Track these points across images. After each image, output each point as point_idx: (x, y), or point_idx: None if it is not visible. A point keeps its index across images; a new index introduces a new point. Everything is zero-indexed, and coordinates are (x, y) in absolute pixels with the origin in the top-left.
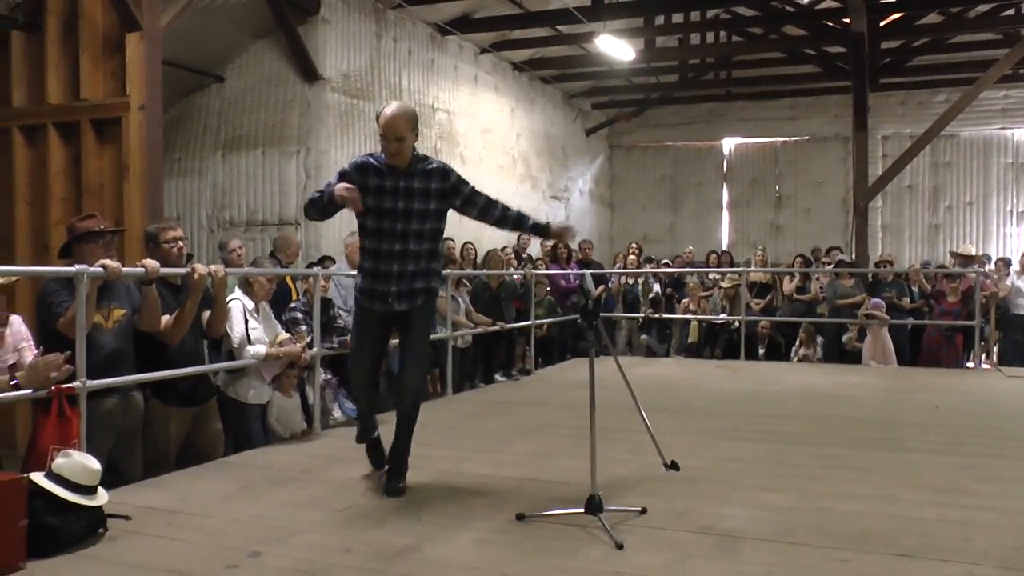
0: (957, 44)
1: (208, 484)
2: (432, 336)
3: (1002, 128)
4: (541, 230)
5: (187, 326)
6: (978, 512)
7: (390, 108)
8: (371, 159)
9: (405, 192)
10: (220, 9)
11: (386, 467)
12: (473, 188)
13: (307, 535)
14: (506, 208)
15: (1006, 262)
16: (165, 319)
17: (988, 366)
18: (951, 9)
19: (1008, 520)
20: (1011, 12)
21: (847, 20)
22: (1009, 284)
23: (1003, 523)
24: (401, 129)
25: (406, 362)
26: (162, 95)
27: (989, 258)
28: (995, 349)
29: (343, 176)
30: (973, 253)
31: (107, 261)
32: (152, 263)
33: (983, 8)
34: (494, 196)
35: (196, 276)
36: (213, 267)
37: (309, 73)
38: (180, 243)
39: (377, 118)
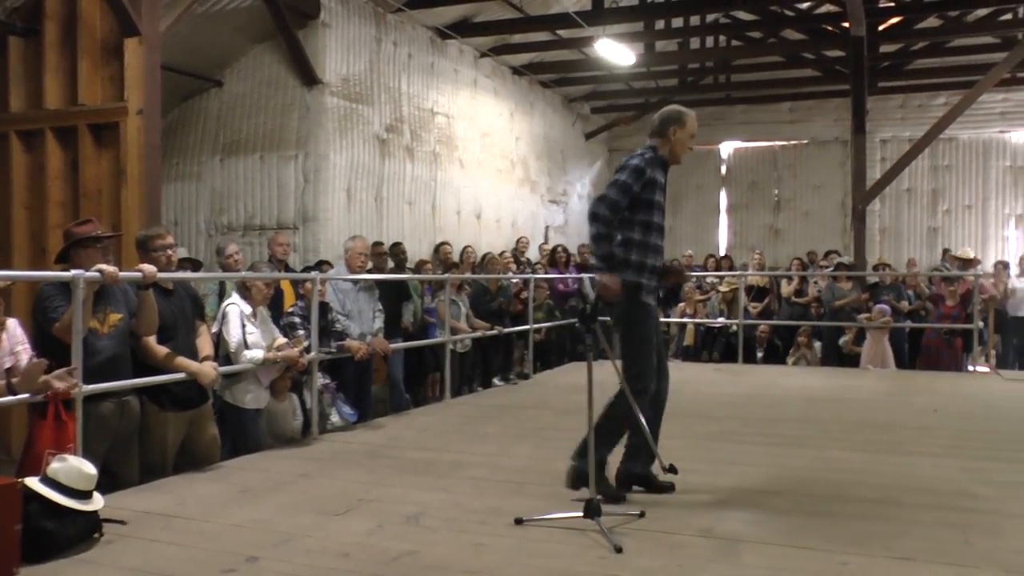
0: (956, 48)
1: (205, 488)
2: (431, 341)
3: (1001, 131)
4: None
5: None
6: (978, 515)
7: (691, 111)
8: (656, 155)
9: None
10: (219, 14)
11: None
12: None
13: (305, 539)
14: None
15: (1005, 265)
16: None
17: (986, 369)
18: (950, 13)
19: (1008, 523)
20: (1009, 16)
21: (846, 24)
22: (1012, 288)
23: (1003, 526)
24: None
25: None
26: (160, 100)
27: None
28: (993, 352)
29: (642, 173)
30: (972, 256)
31: (104, 266)
32: (150, 268)
33: (982, 12)
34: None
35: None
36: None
37: (308, 77)
38: (170, 251)
39: (682, 118)
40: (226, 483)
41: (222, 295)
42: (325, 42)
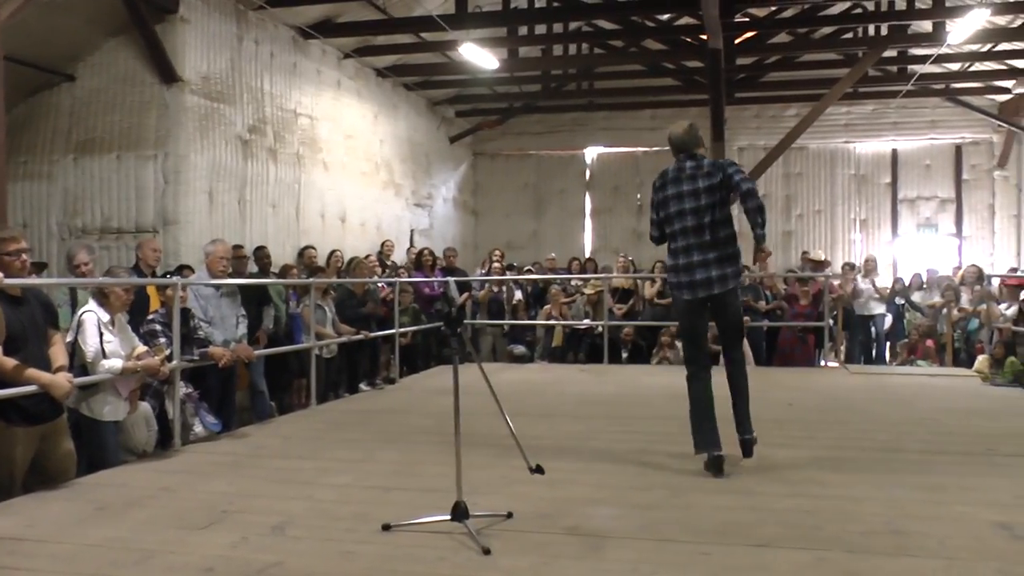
0: (806, 63)
1: (59, 507)
2: (296, 346)
3: (845, 142)
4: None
5: None
6: (828, 501)
7: None
8: None
9: None
10: (69, 3)
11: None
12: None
13: (167, 555)
14: None
15: (852, 266)
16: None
17: (836, 364)
18: (799, 30)
19: (854, 507)
20: (851, 35)
21: (704, 36)
22: (858, 288)
23: (849, 510)
24: None
25: None
26: (4, 93)
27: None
28: (842, 348)
29: None
30: (823, 258)
31: None
32: None
33: (827, 30)
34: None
35: None
36: None
37: (167, 74)
38: (24, 255)
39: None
40: (81, 500)
41: (74, 304)
42: (184, 38)
